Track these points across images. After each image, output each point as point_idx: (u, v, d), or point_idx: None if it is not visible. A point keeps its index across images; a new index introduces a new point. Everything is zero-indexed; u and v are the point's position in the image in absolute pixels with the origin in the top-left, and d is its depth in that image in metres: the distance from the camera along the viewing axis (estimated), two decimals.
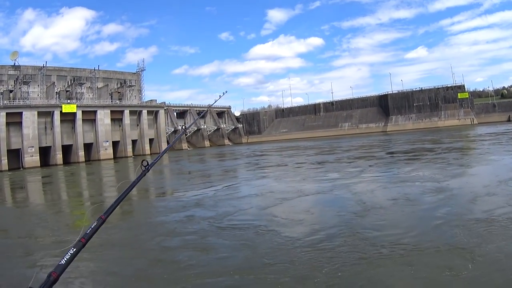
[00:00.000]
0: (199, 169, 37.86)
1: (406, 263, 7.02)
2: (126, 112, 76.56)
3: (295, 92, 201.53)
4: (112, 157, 71.17)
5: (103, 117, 71.37)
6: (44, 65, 75.78)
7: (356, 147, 48.68)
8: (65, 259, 1.75)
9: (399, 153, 34.94)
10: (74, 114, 66.11)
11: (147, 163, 3.02)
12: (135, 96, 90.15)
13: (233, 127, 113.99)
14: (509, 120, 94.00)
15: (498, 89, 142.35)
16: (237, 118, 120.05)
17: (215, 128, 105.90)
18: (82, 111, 67.67)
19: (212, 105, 7.92)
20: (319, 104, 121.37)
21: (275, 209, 13.16)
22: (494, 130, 57.68)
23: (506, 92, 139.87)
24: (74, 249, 1.83)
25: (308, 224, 11.17)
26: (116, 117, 75.14)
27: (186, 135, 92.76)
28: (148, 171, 2.97)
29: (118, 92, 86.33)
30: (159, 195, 21.55)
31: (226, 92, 9.17)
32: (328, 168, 26.03)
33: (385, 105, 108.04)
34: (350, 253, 7.76)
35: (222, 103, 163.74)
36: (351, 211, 11.69)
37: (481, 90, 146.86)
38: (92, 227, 2.08)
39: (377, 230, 9.65)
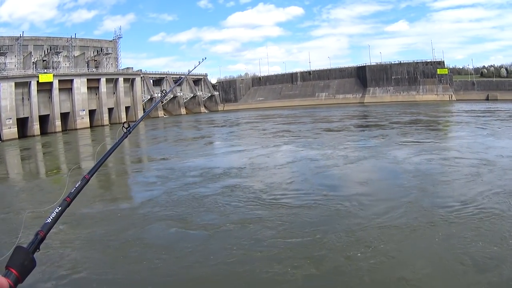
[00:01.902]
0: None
1: None
2: (103, 80, 77.54)
3: (273, 61, 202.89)
4: (89, 126, 72.73)
5: (80, 86, 72.28)
6: (21, 35, 75.57)
7: (348, 116, 53.49)
8: (51, 217, 1.87)
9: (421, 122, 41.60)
10: (51, 83, 66.88)
11: (129, 125, 3.30)
12: (111, 64, 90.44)
13: (210, 94, 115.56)
14: (487, 99, 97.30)
15: (478, 67, 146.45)
16: (214, 86, 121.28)
17: (192, 95, 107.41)
18: (59, 80, 68.43)
19: (190, 71, 9.15)
20: (296, 73, 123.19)
21: None
22: (480, 108, 62.17)
23: (486, 71, 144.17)
24: (60, 208, 1.94)
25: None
26: (93, 86, 76.09)
27: (162, 102, 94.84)
28: (129, 133, 3.28)
29: (95, 60, 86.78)
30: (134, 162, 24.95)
31: (205, 58, 10.03)
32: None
33: (363, 77, 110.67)
34: None
35: (198, 70, 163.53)
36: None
37: (461, 67, 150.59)
38: (76, 186, 2.22)
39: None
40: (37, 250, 1.66)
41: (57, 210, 1.90)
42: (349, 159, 21.51)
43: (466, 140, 26.82)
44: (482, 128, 33.64)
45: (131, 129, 3.24)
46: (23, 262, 1.53)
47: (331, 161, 21.28)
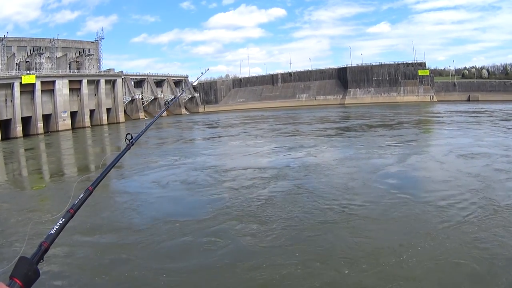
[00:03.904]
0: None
1: None
2: (84, 81, 78.68)
3: (254, 62, 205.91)
4: (70, 127, 73.67)
5: (62, 87, 73.39)
6: (5, 36, 76.33)
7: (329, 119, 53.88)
8: (55, 229, 1.89)
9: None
10: (33, 85, 67.91)
11: (131, 137, 3.31)
12: (93, 65, 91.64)
13: (190, 96, 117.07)
14: (469, 100, 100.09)
15: (459, 69, 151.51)
16: (194, 87, 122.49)
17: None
18: (41, 82, 69.51)
19: (193, 82, 8.67)
20: (277, 74, 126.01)
21: None
22: (460, 109, 65.43)
23: (467, 72, 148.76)
24: (63, 219, 1.97)
25: None
26: (74, 87, 77.19)
27: (143, 104, 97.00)
28: (132, 145, 3.30)
29: (77, 62, 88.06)
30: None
31: (207, 70, 10.84)
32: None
33: (344, 78, 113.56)
34: None
35: (179, 71, 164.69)
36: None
37: (443, 69, 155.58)
38: (80, 198, 2.25)
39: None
40: (41, 260, 1.73)
41: (60, 222, 1.96)
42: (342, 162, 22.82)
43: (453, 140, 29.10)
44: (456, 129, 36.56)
45: (134, 141, 3.33)
46: (27, 273, 1.60)
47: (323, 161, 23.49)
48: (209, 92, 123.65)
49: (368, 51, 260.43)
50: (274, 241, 10.76)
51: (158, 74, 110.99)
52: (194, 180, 19.59)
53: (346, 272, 8.72)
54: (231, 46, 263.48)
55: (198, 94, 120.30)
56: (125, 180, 21.60)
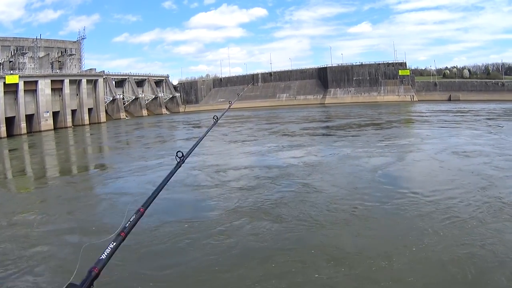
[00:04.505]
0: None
1: None
2: (66, 81, 79.30)
3: (234, 62, 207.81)
4: (53, 127, 74.19)
5: (44, 87, 73.94)
6: None
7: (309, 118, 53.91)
8: (106, 253, 1.87)
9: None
10: (16, 85, 68.36)
11: (182, 154, 3.33)
12: (75, 65, 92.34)
13: (171, 96, 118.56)
14: (449, 100, 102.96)
15: (440, 69, 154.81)
16: (175, 87, 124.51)
17: (153, 97, 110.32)
18: (24, 82, 70.00)
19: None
20: (257, 74, 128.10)
21: None
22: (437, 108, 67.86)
23: (448, 72, 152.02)
24: (114, 243, 1.96)
25: None
26: (57, 87, 77.76)
27: (124, 104, 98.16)
28: (183, 162, 3.33)
29: (59, 62, 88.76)
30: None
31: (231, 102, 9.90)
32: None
33: (324, 78, 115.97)
34: None
35: (160, 71, 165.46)
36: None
37: (423, 68, 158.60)
38: (131, 220, 2.23)
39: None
40: (91, 287, 1.69)
41: (111, 246, 1.95)
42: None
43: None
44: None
45: (185, 158, 3.33)
46: None
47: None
48: (189, 92, 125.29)
49: (349, 51, 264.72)
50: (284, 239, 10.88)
51: (139, 74, 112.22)
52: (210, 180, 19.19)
53: (333, 271, 8.88)
54: (212, 46, 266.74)
55: (179, 94, 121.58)
56: (126, 179, 21.17)
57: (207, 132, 5.00)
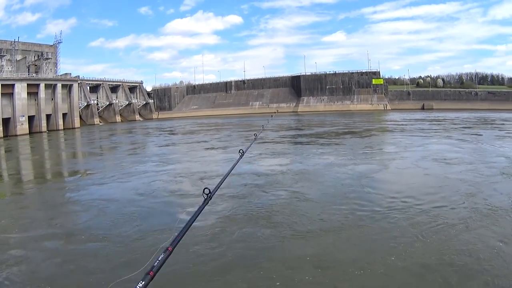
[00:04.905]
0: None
1: None
2: (42, 85, 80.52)
3: (208, 69, 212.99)
4: (28, 132, 75.17)
5: (20, 91, 74.92)
6: None
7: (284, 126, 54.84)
8: None
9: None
10: None
11: (209, 191, 3.46)
12: (51, 69, 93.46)
13: (144, 102, 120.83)
14: (423, 108, 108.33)
15: (414, 78, 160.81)
16: (149, 94, 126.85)
17: (127, 103, 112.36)
18: (1, 85, 71.15)
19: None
20: (230, 82, 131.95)
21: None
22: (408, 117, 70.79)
23: (422, 81, 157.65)
24: (143, 282, 2.03)
25: None
26: (32, 91, 78.85)
27: (98, 109, 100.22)
28: (210, 199, 3.46)
29: (35, 65, 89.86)
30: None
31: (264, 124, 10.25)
32: None
33: (298, 86, 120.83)
34: None
35: (134, 77, 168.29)
36: None
37: (397, 78, 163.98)
38: (159, 259, 2.32)
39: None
40: None
41: (140, 285, 2.03)
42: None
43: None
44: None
45: (211, 195, 3.51)
46: None
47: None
48: (163, 98, 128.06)
49: (323, 59, 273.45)
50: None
51: (114, 80, 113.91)
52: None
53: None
54: (186, 53, 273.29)
55: (152, 101, 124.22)
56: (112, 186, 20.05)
57: (233, 166, 5.41)
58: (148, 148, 39.84)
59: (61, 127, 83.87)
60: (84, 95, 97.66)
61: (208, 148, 36.27)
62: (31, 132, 76.17)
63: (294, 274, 8.83)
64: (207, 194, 3.40)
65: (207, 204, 3.38)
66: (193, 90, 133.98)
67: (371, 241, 10.62)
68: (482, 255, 9.34)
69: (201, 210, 3.30)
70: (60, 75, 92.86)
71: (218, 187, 3.96)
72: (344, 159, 25.38)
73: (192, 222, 3.09)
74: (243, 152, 5.00)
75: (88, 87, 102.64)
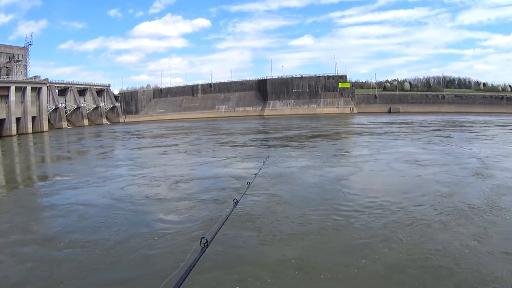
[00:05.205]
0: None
1: None
2: (12, 88, 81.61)
3: (175, 73, 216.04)
4: None
5: None
6: None
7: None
8: None
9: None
10: None
11: (206, 240, 3.62)
12: (21, 71, 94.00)
13: (112, 106, 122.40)
14: (389, 112, 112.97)
15: (381, 81, 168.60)
16: (116, 97, 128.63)
17: (94, 106, 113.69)
18: None
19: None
20: (197, 85, 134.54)
21: None
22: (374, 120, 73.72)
23: (389, 85, 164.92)
24: None
25: None
26: (3, 94, 79.97)
27: (66, 113, 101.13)
28: (207, 248, 3.63)
29: (6, 67, 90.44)
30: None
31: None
32: None
33: (264, 90, 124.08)
34: None
35: (101, 80, 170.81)
36: None
37: (364, 81, 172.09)
38: None
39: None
40: None
41: None
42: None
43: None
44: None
45: (208, 244, 3.68)
46: None
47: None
48: (130, 102, 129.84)
49: (290, 63, 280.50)
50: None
51: (82, 83, 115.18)
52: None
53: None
54: (154, 56, 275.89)
55: (119, 104, 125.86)
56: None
57: (229, 214, 5.58)
58: (120, 152, 40.11)
59: (30, 130, 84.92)
60: (53, 98, 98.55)
61: (180, 152, 36.72)
62: (1, 136, 76.91)
63: (275, 277, 9.16)
64: (204, 244, 3.56)
65: (204, 253, 3.58)
66: (160, 93, 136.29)
67: (350, 244, 10.98)
68: (458, 255, 9.78)
69: (197, 261, 3.45)
70: (30, 78, 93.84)
71: (214, 236, 4.08)
72: (319, 161, 26.22)
73: (188, 274, 3.23)
74: (237, 201, 5.54)
75: (57, 90, 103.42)
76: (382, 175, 20.95)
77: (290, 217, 13.47)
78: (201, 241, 3.57)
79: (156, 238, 11.86)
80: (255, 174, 9.62)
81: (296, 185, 18.81)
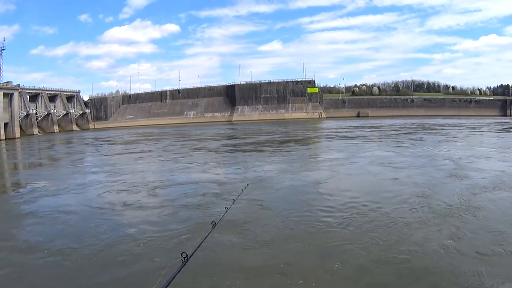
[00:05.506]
0: None
1: None
2: None
3: (144, 78, 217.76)
4: None
5: None
6: None
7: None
8: None
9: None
10: None
11: (187, 255, 3.68)
12: None
13: (81, 112, 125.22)
14: (358, 116, 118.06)
15: (349, 86, 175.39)
16: (86, 103, 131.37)
17: (64, 112, 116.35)
18: None
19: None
20: (166, 91, 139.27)
21: None
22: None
23: (357, 89, 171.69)
24: None
25: None
26: None
27: (37, 119, 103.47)
28: (187, 262, 3.69)
29: None
30: None
31: None
32: None
33: (232, 95, 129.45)
34: None
35: (71, 86, 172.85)
36: None
37: (333, 86, 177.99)
38: None
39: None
40: None
41: None
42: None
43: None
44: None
45: (189, 258, 3.74)
46: None
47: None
48: (99, 108, 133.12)
49: (259, 68, 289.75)
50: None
51: (52, 89, 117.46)
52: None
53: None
54: (123, 62, 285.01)
55: (89, 110, 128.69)
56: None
57: (205, 237, 5.25)
58: (95, 159, 39.79)
59: (3, 137, 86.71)
60: (24, 104, 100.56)
61: (156, 158, 36.75)
62: None
63: (256, 281, 9.25)
64: (185, 258, 3.66)
65: (184, 266, 3.68)
66: (129, 99, 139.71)
67: (328, 247, 11.02)
68: (434, 255, 9.90)
69: (177, 274, 3.53)
70: (2, 84, 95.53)
71: (195, 251, 4.10)
72: (296, 166, 26.62)
73: (169, 283, 3.27)
74: (215, 224, 5.44)
75: (28, 96, 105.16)
76: (359, 179, 21.52)
77: (271, 223, 13.65)
78: (181, 255, 3.67)
79: (141, 244, 11.89)
80: (234, 200, 8.02)
81: (275, 189, 19.09)
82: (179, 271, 3.52)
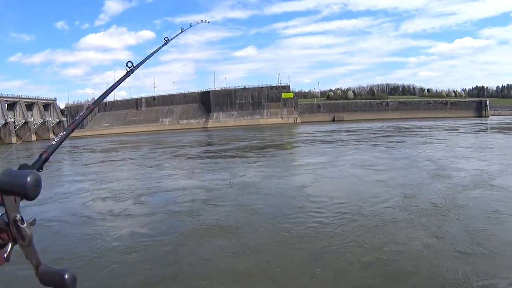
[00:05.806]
0: None
1: None
2: None
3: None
4: None
5: None
6: None
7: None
8: (56, 140, 2.09)
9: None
10: None
11: (132, 63, 3.61)
12: None
13: (58, 120, 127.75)
14: (333, 120, 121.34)
15: (325, 91, 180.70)
16: (62, 111, 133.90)
17: (42, 121, 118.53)
18: None
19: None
20: (141, 98, 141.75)
21: None
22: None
23: (332, 94, 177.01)
24: (64, 133, 2.20)
25: None
26: None
27: (15, 128, 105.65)
28: (132, 72, 3.68)
29: None
30: None
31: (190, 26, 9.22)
32: None
33: (207, 102, 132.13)
34: None
35: (47, 94, 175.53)
36: None
37: (307, 91, 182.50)
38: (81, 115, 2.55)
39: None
40: (41, 170, 1.84)
41: (61, 134, 2.17)
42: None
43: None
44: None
45: (134, 69, 3.69)
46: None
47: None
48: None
49: (233, 74, 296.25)
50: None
51: (29, 97, 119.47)
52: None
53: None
54: (99, 69, 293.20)
55: (66, 118, 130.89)
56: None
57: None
58: (78, 167, 39.44)
59: None
60: (2, 113, 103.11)
61: (139, 165, 36.63)
62: None
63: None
64: (129, 67, 3.47)
65: (128, 76, 3.57)
66: (105, 107, 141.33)
67: (321, 251, 11.00)
68: (419, 255, 10.07)
69: (123, 80, 3.50)
70: None
71: (141, 63, 4.04)
72: (280, 170, 26.78)
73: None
74: None
75: (6, 105, 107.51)
76: (344, 181, 21.79)
77: (259, 228, 13.57)
78: (126, 65, 3.48)
79: (134, 253, 11.65)
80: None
81: (263, 194, 19.08)
82: (125, 78, 3.56)
